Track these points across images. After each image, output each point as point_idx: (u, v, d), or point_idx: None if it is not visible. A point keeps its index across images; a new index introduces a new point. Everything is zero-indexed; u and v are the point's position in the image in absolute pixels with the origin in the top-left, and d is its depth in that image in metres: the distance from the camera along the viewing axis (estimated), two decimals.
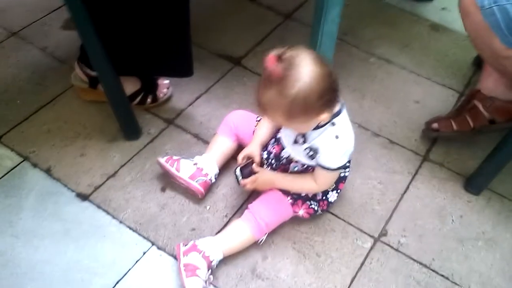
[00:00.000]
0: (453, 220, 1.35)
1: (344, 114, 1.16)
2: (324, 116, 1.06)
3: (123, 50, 1.35)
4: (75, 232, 1.26)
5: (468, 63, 1.77)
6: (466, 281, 1.23)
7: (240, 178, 1.23)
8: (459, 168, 1.46)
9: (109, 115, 1.46)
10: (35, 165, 1.39)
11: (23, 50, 1.71)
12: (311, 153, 1.17)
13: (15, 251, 1.22)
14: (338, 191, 1.30)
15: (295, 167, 1.25)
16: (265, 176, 1.25)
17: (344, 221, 1.33)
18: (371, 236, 1.30)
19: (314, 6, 1.36)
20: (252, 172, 1.25)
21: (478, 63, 1.69)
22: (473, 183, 1.41)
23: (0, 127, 1.47)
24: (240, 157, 1.27)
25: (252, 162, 1.25)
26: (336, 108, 1.13)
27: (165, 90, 1.56)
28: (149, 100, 1.53)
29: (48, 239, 1.24)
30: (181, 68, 1.43)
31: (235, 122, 1.38)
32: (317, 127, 1.12)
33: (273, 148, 1.29)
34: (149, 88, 1.53)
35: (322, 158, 1.16)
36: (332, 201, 1.30)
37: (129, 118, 1.45)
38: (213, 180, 1.34)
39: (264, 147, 1.31)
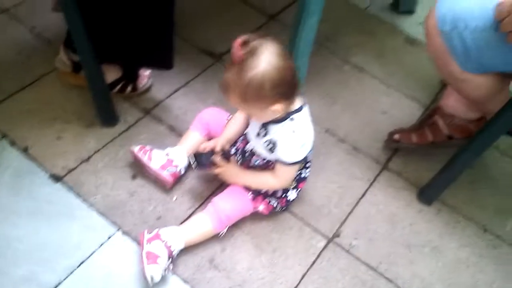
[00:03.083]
0: (403, 227, 1.44)
1: (305, 112, 1.24)
2: (278, 107, 1.14)
3: (107, 38, 1.40)
4: (47, 212, 1.33)
5: (437, 79, 1.86)
6: (409, 285, 1.33)
7: (192, 161, 1.33)
8: (415, 179, 1.55)
9: (89, 101, 1.52)
10: (13, 143, 1.45)
11: (11, 28, 1.75)
12: (270, 145, 1.25)
13: None
14: (298, 190, 1.39)
15: (256, 161, 1.33)
16: (231, 170, 1.34)
17: (302, 220, 1.42)
18: (325, 237, 1.39)
19: (295, 13, 1.44)
20: (211, 161, 1.34)
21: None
22: (425, 194, 1.50)
23: None
24: (202, 146, 1.36)
25: (212, 152, 1.34)
26: (296, 105, 1.22)
27: (145, 80, 1.62)
28: (129, 88, 1.59)
29: (22, 217, 1.31)
30: (162, 61, 1.49)
31: (207, 119, 1.45)
32: (277, 121, 1.21)
33: (240, 144, 1.38)
34: (130, 77, 1.59)
35: (280, 152, 1.24)
36: (291, 199, 1.39)
37: (107, 106, 1.51)
38: (183, 171, 1.42)
39: (233, 143, 1.40)
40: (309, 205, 1.45)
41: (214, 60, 1.79)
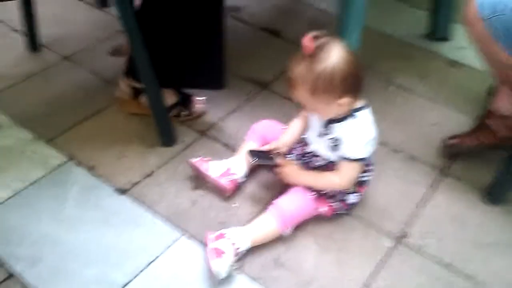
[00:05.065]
0: (471, 227, 1.40)
1: (367, 111, 1.27)
2: (345, 101, 1.17)
3: (166, 65, 1.51)
4: (113, 221, 1.36)
5: (484, 94, 1.87)
6: (490, 282, 1.26)
7: (250, 157, 1.36)
8: (478, 182, 1.51)
9: (148, 126, 1.60)
10: (79, 163, 1.52)
11: (73, 72, 1.89)
12: (333, 143, 1.27)
13: (59, 233, 1.32)
14: (359, 194, 1.38)
15: (318, 162, 1.35)
16: (292, 169, 1.36)
17: (365, 222, 1.39)
18: (392, 237, 1.36)
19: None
20: (269, 158, 1.37)
21: (491, 92, 1.79)
22: (491, 196, 1.46)
23: (50, 132, 1.61)
24: (267, 146, 1.41)
25: (268, 152, 1.38)
26: (360, 103, 1.25)
27: (199, 105, 1.70)
28: (184, 113, 1.67)
29: (89, 225, 1.35)
30: (215, 81, 1.58)
31: (262, 130, 1.50)
32: (340, 119, 1.23)
33: (298, 150, 1.41)
34: (185, 102, 1.67)
35: (345, 148, 1.26)
36: (353, 202, 1.38)
37: (167, 126, 1.59)
38: (241, 180, 1.44)
39: (290, 150, 1.42)
40: (372, 208, 1.43)
41: (261, 88, 1.87)
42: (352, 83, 1.19)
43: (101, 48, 2.02)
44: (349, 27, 1.49)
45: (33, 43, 1.97)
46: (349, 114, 1.26)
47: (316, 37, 1.15)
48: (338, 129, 1.27)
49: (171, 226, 1.35)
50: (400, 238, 1.36)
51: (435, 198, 1.48)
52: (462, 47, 2.13)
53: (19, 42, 1.99)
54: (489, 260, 1.32)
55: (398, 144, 1.65)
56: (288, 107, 1.67)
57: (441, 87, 1.92)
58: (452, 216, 1.43)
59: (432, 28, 2.18)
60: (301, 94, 1.21)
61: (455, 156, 1.60)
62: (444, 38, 2.17)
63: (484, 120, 1.59)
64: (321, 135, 1.31)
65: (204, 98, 1.72)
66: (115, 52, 1.98)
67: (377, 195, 1.47)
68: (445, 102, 1.84)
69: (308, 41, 1.15)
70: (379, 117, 1.74)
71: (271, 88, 1.87)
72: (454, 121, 1.75)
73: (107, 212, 1.38)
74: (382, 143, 1.65)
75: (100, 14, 2.24)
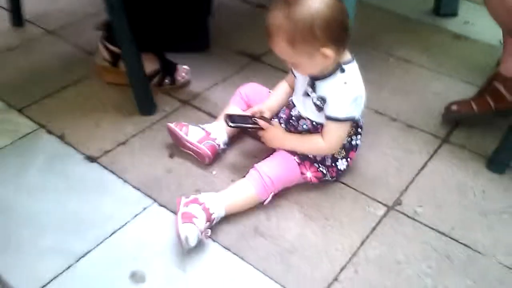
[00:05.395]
0: (475, 195, 1.26)
1: (355, 65, 1.15)
2: (328, 52, 1.05)
3: (146, 26, 1.41)
4: (79, 189, 1.25)
5: (491, 66, 1.73)
6: (491, 251, 1.12)
7: (228, 121, 1.23)
8: (482, 150, 1.38)
9: (127, 96, 1.50)
10: (50, 132, 1.42)
11: (56, 45, 1.81)
12: (319, 104, 1.15)
13: (16, 201, 1.21)
14: (348, 159, 1.25)
15: (304, 125, 1.22)
16: (275, 131, 1.23)
17: (356, 190, 1.26)
18: (384, 205, 1.23)
19: None
20: (249, 122, 1.24)
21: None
22: (496, 163, 1.33)
23: (23, 101, 1.52)
24: (248, 111, 1.28)
25: (248, 116, 1.26)
26: (347, 57, 1.13)
27: (183, 74, 1.59)
28: (167, 81, 1.57)
29: (52, 193, 1.24)
30: (198, 43, 1.48)
31: (246, 93, 1.39)
32: (326, 76, 1.12)
33: (284, 114, 1.29)
34: (168, 69, 1.56)
35: (330, 107, 1.13)
36: (341, 168, 1.25)
37: (146, 94, 1.48)
38: (222, 146, 1.32)
39: (275, 114, 1.31)
40: (363, 176, 1.30)
41: (251, 59, 1.75)
42: (336, 31, 1.06)
43: (88, 23, 1.91)
44: None
45: (17, 18, 1.89)
46: (335, 69, 1.13)
47: None
48: (323, 87, 1.15)
49: (141, 194, 1.23)
50: (393, 206, 1.22)
51: (435, 166, 1.34)
52: (467, 21, 2.00)
53: (3, 17, 1.92)
54: (491, 229, 1.18)
55: (396, 113, 1.52)
56: (280, 77, 1.55)
57: (445, 59, 1.78)
58: (452, 184, 1.29)
59: (437, 4, 2.06)
60: (280, 45, 1.09)
61: (457, 123, 1.46)
62: (450, 14, 2.04)
63: (492, 81, 1.44)
64: (306, 94, 1.19)
65: (188, 67, 1.61)
66: (101, 26, 1.89)
67: (370, 163, 1.34)
68: (448, 72, 1.71)
69: None
70: (377, 87, 1.64)
71: (263, 60, 1.75)
72: (458, 90, 1.61)
73: (73, 180, 1.27)
74: (378, 112, 1.53)
75: None
